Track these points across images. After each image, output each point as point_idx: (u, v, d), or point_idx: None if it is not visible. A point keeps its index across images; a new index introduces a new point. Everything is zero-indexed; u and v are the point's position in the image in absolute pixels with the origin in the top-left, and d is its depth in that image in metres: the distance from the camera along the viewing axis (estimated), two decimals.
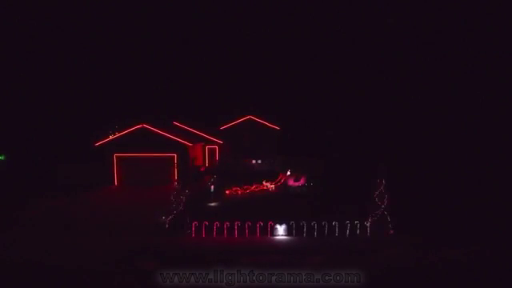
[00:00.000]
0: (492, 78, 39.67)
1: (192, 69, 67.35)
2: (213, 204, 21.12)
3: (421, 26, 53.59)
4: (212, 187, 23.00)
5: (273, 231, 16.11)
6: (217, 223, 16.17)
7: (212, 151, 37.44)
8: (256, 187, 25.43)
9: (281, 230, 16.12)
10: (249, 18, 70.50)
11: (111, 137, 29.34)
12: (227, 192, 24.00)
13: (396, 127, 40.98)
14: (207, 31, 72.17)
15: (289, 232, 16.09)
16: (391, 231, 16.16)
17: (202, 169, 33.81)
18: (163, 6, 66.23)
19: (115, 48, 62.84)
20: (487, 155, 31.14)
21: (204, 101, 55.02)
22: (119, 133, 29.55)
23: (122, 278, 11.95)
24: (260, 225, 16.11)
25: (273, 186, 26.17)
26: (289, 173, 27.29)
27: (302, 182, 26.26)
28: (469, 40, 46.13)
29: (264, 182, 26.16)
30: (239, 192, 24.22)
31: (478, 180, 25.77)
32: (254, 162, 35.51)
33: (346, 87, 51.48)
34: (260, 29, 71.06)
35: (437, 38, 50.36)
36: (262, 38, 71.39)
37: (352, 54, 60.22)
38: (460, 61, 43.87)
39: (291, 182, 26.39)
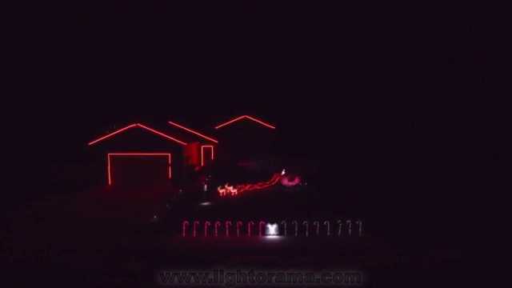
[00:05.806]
0: (484, 75, 39.72)
1: (187, 68, 67.16)
2: (205, 203, 21.02)
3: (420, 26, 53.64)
4: (205, 187, 22.88)
5: (264, 231, 16.05)
6: (208, 223, 16.09)
7: (207, 151, 37.27)
8: (250, 187, 25.34)
9: (272, 229, 16.06)
10: (244, 17, 70.46)
11: (105, 136, 29.08)
12: (221, 192, 23.89)
13: (389, 127, 40.92)
14: (202, 31, 72.07)
15: (280, 231, 16.02)
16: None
17: (197, 168, 33.69)
18: (159, 6, 66.08)
19: (110, 47, 62.62)
20: (470, 157, 31.08)
21: (200, 100, 54.85)
22: (114, 132, 29.31)
23: (108, 277, 11.85)
24: (251, 224, 16.04)
25: (266, 185, 26.11)
26: (283, 172, 27.23)
27: (296, 181, 26.18)
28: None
29: (258, 182, 26.09)
30: (232, 192, 24.12)
31: (466, 182, 25.67)
32: (249, 163, 35.41)
33: (341, 87, 51.44)
34: (255, 28, 70.99)
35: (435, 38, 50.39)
36: (257, 38, 71.35)
37: (348, 54, 60.19)
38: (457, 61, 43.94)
39: (285, 182, 26.30)
